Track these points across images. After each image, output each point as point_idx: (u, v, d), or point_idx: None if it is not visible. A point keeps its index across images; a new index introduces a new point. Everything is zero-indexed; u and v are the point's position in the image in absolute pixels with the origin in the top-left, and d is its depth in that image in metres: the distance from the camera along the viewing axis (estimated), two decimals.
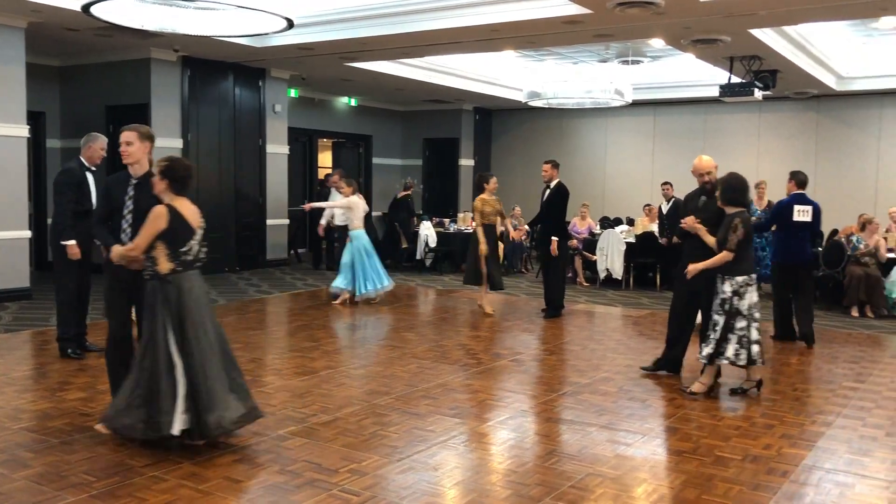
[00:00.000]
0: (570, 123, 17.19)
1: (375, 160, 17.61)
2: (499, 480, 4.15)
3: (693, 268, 5.82)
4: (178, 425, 4.25)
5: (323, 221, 11.66)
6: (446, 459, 4.44)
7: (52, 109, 12.07)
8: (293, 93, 14.62)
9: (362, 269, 9.59)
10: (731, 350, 5.70)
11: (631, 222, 13.49)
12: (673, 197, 11.08)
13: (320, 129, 16.43)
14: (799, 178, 7.87)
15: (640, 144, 16.36)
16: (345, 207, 9.97)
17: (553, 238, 8.93)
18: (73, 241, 6.46)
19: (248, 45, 10.74)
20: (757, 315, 5.75)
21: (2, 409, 5.19)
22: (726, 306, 5.69)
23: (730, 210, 5.74)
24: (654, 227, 12.26)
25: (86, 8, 7.34)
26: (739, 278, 5.66)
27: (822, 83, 12.75)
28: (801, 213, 7.70)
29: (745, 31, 9.25)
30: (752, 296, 5.70)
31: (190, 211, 4.56)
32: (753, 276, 5.74)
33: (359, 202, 9.78)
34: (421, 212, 15.57)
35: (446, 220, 14.60)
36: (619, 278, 11.82)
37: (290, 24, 8.02)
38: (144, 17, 7.96)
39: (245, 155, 12.87)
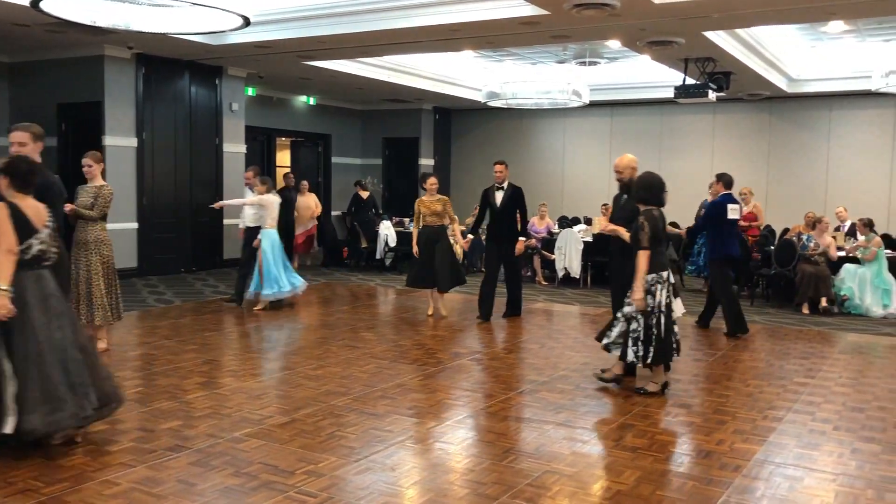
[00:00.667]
0: (529, 124, 17.30)
1: (335, 159, 17.51)
2: (456, 479, 4.16)
3: (636, 287, 5.67)
4: (9, 425, 4.09)
5: (240, 224, 10.11)
6: (404, 459, 4.44)
7: (2, 107, 11.77)
8: (250, 91, 14.47)
9: (268, 270, 9.05)
10: (639, 349, 5.75)
11: (589, 221, 13.62)
12: None
13: (278, 127, 16.27)
14: (726, 179, 8.51)
15: (597, 145, 16.53)
16: (257, 205, 9.31)
17: (521, 238, 8.93)
18: None
19: (205, 43, 10.60)
20: (668, 313, 5.73)
21: None
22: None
23: (642, 208, 5.82)
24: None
25: (35, 3, 7.17)
26: (649, 276, 5.68)
27: (774, 85, 13.02)
28: (733, 212, 8.28)
29: (698, 33, 9.41)
30: (662, 293, 5.70)
31: (33, 209, 4.43)
32: (664, 274, 5.72)
33: (273, 200, 9.28)
34: (381, 211, 15.53)
35: (406, 220, 14.57)
36: (577, 277, 11.93)
37: (247, 22, 7.94)
38: (96, 14, 7.81)
39: (201, 154, 12.69)
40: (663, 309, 5.71)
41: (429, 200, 9.01)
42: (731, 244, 8.24)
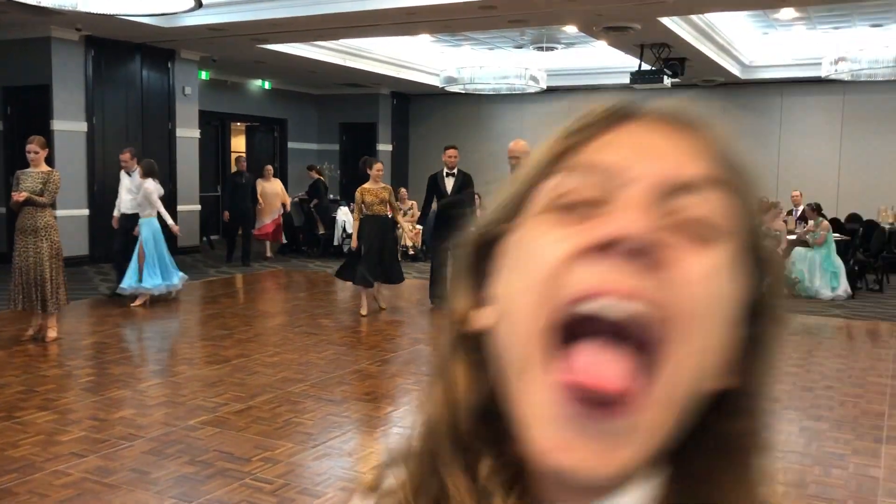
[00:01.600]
0: (487, 109, 17.30)
1: (291, 144, 17.32)
2: None
3: None
4: None
5: (115, 212, 8.87)
6: (362, 445, 4.43)
7: None
8: (204, 75, 14.20)
9: (152, 262, 8.31)
10: None
11: None
12: None
13: (233, 112, 16.01)
14: None
15: (555, 130, 16.60)
16: (135, 191, 8.45)
17: None
18: None
19: (156, 25, 10.36)
20: None
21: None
22: None
23: None
24: None
25: None
26: None
27: (727, 71, 13.20)
28: None
29: (653, 18, 9.48)
30: None
31: None
32: None
33: (153, 187, 8.39)
34: (338, 197, 15.42)
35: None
36: None
37: (199, 4, 7.79)
38: None
39: (153, 139, 12.43)
40: None
41: (374, 188, 8.35)
42: None
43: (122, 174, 8.81)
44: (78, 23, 10.37)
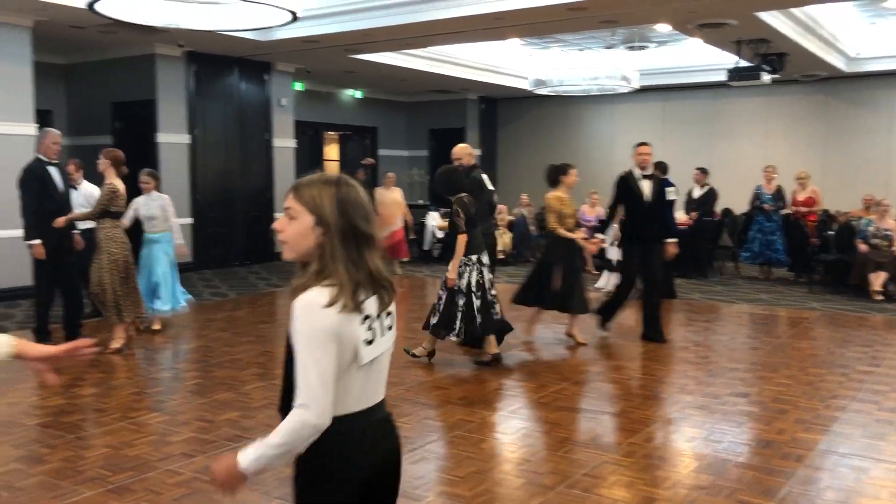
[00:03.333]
0: (577, 111, 17.11)
1: (381, 152, 17.58)
2: (512, 469, 4.15)
3: (451, 267, 6.08)
4: None
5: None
6: (458, 449, 4.44)
7: (59, 107, 12.08)
8: (299, 86, 14.60)
9: (165, 282, 7.52)
10: (456, 327, 6.09)
11: None
12: (707, 184, 11.28)
13: (326, 121, 16.39)
14: (662, 166, 9.31)
15: (648, 130, 16.25)
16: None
17: (669, 239, 7.20)
18: (38, 241, 6.51)
19: (253, 39, 10.72)
20: (479, 293, 6.08)
21: (17, 406, 5.22)
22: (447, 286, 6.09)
23: (454, 198, 6.09)
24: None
25: (91, 5, 7.33)
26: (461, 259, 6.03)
27: (830, 65, 12.64)
28: (670, 194, 8.54)
29: (751, 14, 9.17)
30: (472, 276, 6.08)
31: None
32: (473, 257, 6.09)
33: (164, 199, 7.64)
34: (427, 202, 15.54)
35: None
36: None
37: (295, 17, 7.99)
38: (148, 13, 7.94)
39: (252, 149, 12.86)
40: (474, 289, 6.07)
41: (570, 199, 7.09)
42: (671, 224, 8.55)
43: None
44: (180, 39, 10.83)
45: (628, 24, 10.29)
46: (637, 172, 7.13)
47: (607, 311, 7.45)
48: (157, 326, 7.57)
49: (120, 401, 5.27)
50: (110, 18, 7.99)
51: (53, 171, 6.78)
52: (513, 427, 4.88)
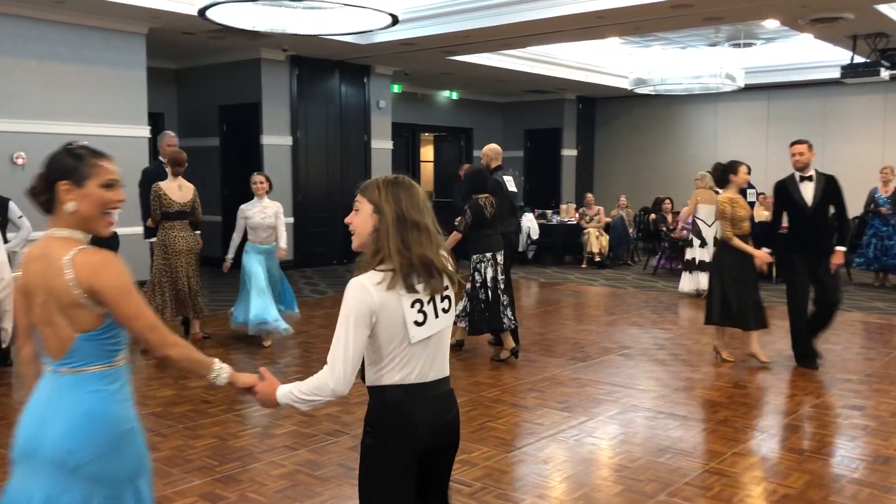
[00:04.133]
0: (678, 110, 16.68)
1: (476, 153, 17.59)
2: (610, 475, 4.08)
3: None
4: None
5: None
6: (556, 453, 4.40)
7: (170, 110, 12.65)
8: (396, 88, 14.80)
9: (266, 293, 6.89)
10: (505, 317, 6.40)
11: None
12: None
13: (422, 123, 16.56)
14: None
15: (753, 130, 15.71)
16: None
17: (839, 248, 6.27)
18: (154, 239, 6.83)
19: (354, 43, 10.92)
20: (501, 286, 6.40)
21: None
22: (472, 280, 6.41)
23: (473, 197, 6.47)
24: (769, 216, 11.75)
25: (202, 12, 7.64)
26: (475, 256, 6.43)
27: None
28: (749, 195, 9.12)
29: (869, 6, 8.71)
30: (487, 271, 6.38)
31: None
32: (488, 254, 6.39)
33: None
34: (522, 203, 15.47)
35: (548, 212, 14.46)
36: None
37: (395, 20, 8.10)
38: (256, 19, 8.22)
39: (351, 150, 13.12)
40: (489, 284, 6.36)
41: (741, 200, 6.39)
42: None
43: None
44: (284, 44, 11.16)
45: (734, 20, 9.96)
46: (796, 175, 6.32)
47: (804, 345, 6.34)
48: (267, 343, 6.94)
49: (226, 393, 5.46)
50: (220, 24, 8.30)
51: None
52: (611, 432, 4.79)
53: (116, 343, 2.11)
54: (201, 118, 12.35)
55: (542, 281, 11.53)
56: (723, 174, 6.48)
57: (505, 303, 6.44)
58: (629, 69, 13.41)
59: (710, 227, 9.97)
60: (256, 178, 7.03)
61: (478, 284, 6.40)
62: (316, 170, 12.55)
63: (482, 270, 6.41)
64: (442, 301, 2.18)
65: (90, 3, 8.46)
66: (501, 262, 6.48)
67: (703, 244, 9.91)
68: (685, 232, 11.31)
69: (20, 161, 8.64)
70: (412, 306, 2.10)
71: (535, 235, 13.38)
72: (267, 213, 6.93)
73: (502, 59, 12.93)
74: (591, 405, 5.34)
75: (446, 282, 2.18)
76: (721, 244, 6.49)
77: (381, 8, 7.47)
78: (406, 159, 16.52)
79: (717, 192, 10.20)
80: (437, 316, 2.16)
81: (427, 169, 18.17)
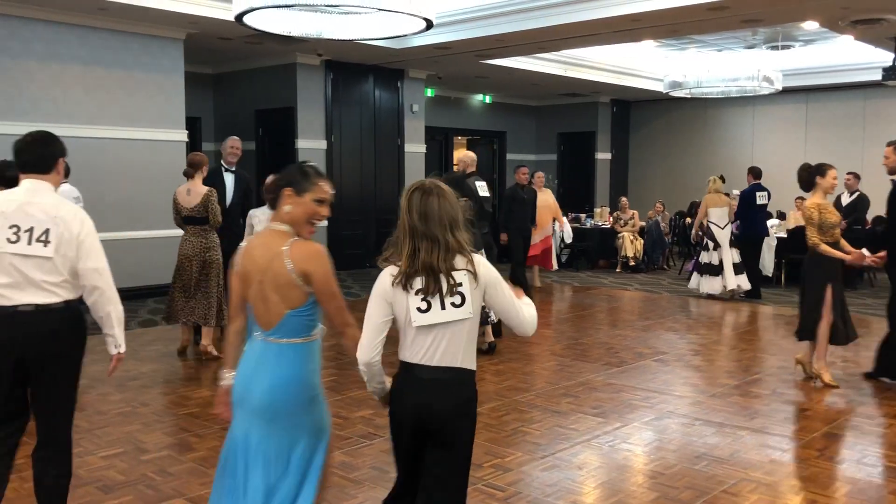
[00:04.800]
0: (714, 113, 16.50)
1: (509, 156, 17.59)
2: (644, 482, 4.04)
3: None
4: None
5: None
6: (590, 458, 4.37)
7: (207, 114, 12.82)
8: (430, 92, 14.84)
9: None
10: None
11: (782, 216, 12.80)
12: (857, 190, 10.66)
13: (455, 126, 16.58)
14: (756, 171, 10.28)
15: (790, 133, 15.48)
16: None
17: None
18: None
19: (388, 47, 10.98)
20: None
21: (169, 397, 5.57)
22: None
23: None
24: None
25: (239, 17, 7.72)
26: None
27: None
28: (761, 198, 10.19)
29: None
30: None
31: None
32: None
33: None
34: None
35: (582, 216, 14.39)
36: (770, 275, 11.23)
37: (430, 25, 8.12)
38: (291, 24, 8.29)
39: (384, 154, 13.18)
40: None
41: (829, 205, 5.86)
42: (762, 226, 10.37)
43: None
44: (319, 49, 11.26)
45: (773, 22, 9.83)
46: None
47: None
48: None
49: None
50: (256, 30, 8.39)
51: (227, 178, 7.17)
52: (646, 439, 4.75)
53: (314, 320, 2.63)
54: (238, 122, 12.49)
55: (575, 285, 11.46)
56: (809, 176, 5.89)
57: None
58: (664, 72, 13.30)
59: (722, 229, 10.10)
60: (268, 181, 6.18)
61: None
62: (349, 173, 12.63)
63: None
64: (452, 296, 2.42)
65: (131, 9, 8.62)
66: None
67: (717, 247, 10.04)
68: (700, 235, 11.18)
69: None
70: (416, 294, 2.43)
71: (568, 239, 13.31)
72: None
73: (536, 62, 12.91)
74: (625, 411, 5.30)
75: (460, 279, 2.43)
76: (811, 254, 5.89)
77: (415, 13, 7.49)
78: (439, 163, 16.54)
79: (726, 195, 10.26)
80: (443, 307, 2.42)
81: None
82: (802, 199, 12.14)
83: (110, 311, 3.14)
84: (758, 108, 15.78)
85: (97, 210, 6.74)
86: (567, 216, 13.84)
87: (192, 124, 12.33)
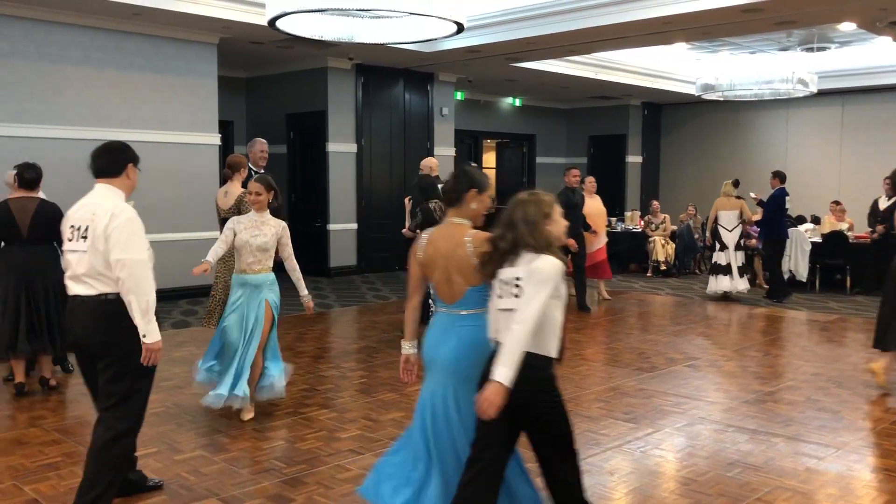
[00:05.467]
0: (747, 116, 16.31)
1: (539, 159, 17.55)
2: (677, 488, 4.00)
3: None
4: None
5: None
6: (621, 464, 4.33)
7: (240, 118, 12.96)
8: (459, 95, 14.85)
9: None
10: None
11: (816, 220, 12.61)
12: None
13: (485, 130, 16.58)
14: (782, 175, 10.23)
15: (825, 136, 15.25)
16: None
17: None
18: None
19: (418, 51, 11.01)
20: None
21: (200, 396, 5.62)
22: None
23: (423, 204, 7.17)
24: (844, 226, 11.40)
25: (271, 22, 7.80)
26: None
27: None
28: (788, 202, 10.29)
29: None
30: None
31: None
32: None
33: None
34: None
35: (613, 219, 14.28)
36: (804, 280, 11.07)
37: (460, 28, 8.12)
38: (323, 29, 8.35)
39: (414, 158, 13.14)
40: None
41: None
42: (784, 228, 10.25)
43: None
44: (350, 53, 11.32)
45: (807, 24, 9.70)
46: None
47: None
48: (248, 416, 5.03)
49: (292, 396, 5.55)
50: (288, 34, 8.46)
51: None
52: (678, 445, 4.70)
53: (486, 295, 3.00)
54: (269, 126, 12.60)
55: (606, 289, 11.37)
56: None
57: None
58: (696, 74, 13.18)
59: (730, 232, 10.19)
60: (251, 186, 4.99)
61: None
62: (379, 176, 12.68)
63: None
64: (514, 287, 2.80)
65: (164, 14, 8.74)
66: None
67: (724, 248, 10.18)
68: (754, 241, 11.07)
69: None
70: (497, 282, 2.89)
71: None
72: (262, 232, 4.88)
73: (566, 65, 12.86)
74: (657, 416, 5.25)
75: (519, 273, 2.80)
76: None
77: (446, 16, 7.50)
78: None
79: (737, 199, 10.19)
80: (501, 297, 2.85)
81: (489, 176, 18.16)
82: (838, 203, 11.98)
83: (131, 300, 3.29)
84: (792, 111, 15.57)
85: None
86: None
87: (225, 128, 12.46)
